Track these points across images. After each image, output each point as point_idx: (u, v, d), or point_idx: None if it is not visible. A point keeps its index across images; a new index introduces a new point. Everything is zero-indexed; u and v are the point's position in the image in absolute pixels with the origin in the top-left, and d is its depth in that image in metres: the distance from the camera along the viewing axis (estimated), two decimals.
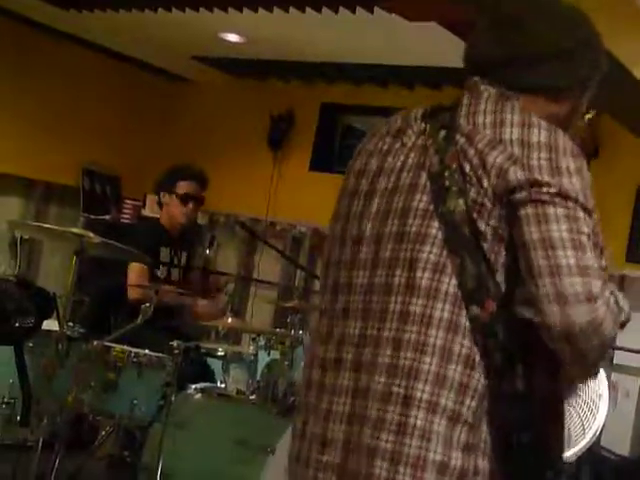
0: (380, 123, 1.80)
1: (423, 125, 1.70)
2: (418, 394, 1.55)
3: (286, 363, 4.15)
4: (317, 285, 5.92)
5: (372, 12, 4.58)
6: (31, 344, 3.82)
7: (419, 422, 1.55)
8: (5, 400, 3.80)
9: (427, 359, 1.56)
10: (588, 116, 1.81)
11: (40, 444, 3.58)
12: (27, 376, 3.74)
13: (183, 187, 4.98)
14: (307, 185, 6.22)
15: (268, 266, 6.26)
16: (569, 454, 3.19)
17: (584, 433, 3.27)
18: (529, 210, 1.53)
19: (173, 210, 4.99)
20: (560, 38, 1.70)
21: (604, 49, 1.77)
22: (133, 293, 4.73)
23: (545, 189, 1.53)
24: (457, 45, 4.42)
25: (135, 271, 4.77)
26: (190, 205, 4.99)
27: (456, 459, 1.55)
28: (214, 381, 4.37)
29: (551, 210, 1.52)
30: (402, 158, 1.68)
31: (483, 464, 1.57)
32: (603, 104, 4.93)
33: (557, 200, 1.52)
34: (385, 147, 1.73)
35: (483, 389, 1.56)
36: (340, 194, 1.80)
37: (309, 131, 6.34)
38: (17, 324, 3.55)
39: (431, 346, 1.56)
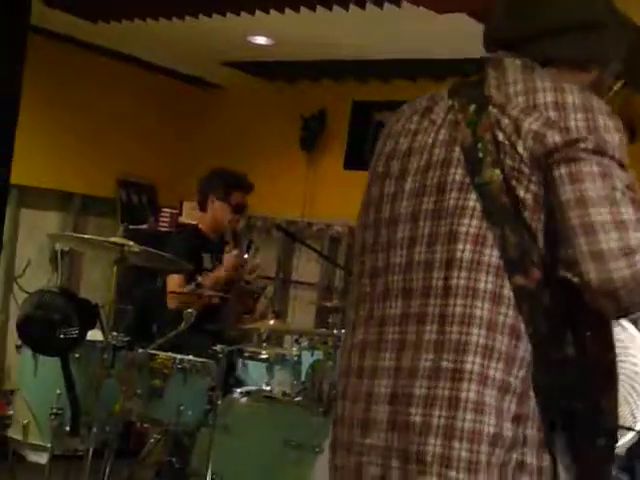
0: (405, 106, 1.79)
1: (450, 101, 1.69)
2: (468, 367, 1.54)
3: (330, 363, 4.14)
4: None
5: (399, 6, 4.56)
6: (77, 355, 3.85)
7: (472, 395, 1.53)
8: (54, 411, 3.83)
9: (475, 331, 1.55)
10: (616, 87, 1.78)
11: (90, 453, 3.60)
12: (74, 386, 3.77)
13: (237, 197, 4.98)
14: (342, 184, 6.21)
15: (307, 267, 6.27)
16: (620, 443, 3.15)
17: (635, 422, 3.22)
18: (562, 170, 1.52)
19: (221, 217, 4.98)
20: (580, 11, 1.71)
21: (629, 23, 1.78)
22: (172, 302, 4.74)
23: (582, 145, 1.52)
24: None
25: (174, 282, 4.77)
26: (240, 215, 5.02)
27: (507, 430, 1.54)
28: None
29: (586, 168, 1.51)
30: (432, 135, 1.67)
31: (532, 434, 1.56)
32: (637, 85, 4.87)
33: (592, 157, 1.51)
34: (413, 127, 1.72)
35: (530, 358, 1.56)
36: (370, 179, 1.80)
37: (341, 130, 6.33)
38: (62, 335, 3.58)
39: (478, 318, 1.55)
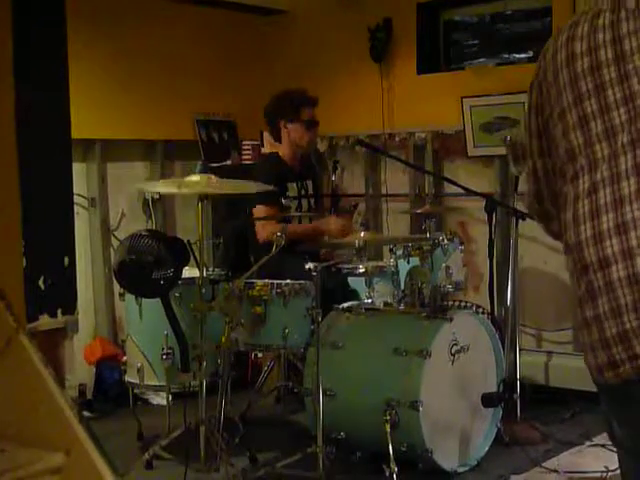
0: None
1: None
2: None
3: (427, 267, 4.12)
4: (447, 187, 5.84)
5: None
6: (177, 293, 3.92)
7: None
8: (164, 351, 3.92)
9: None
10: None
11: (204, 387, 3.68)
12: (179, 324, 3.85)
13: (307, 113, 4.95)
14: (418, 90, 6.09)
15: (395, 178, 6.20)
16: None
17: None
18: None
19: (299, 138, 4.96)
20: None
21: None
22: (262, 235, 4.75)
23: None
24: None
25: (260, 213, 4.78)
26: (314, 130, 4.99)
27: None
28: (358, 300, 4.36)
29: None
30: None
31: None
32: None
33: None
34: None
35: None
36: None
37: (410, 35, 6.18)
38: (157, 276, 3.65)
39: None
